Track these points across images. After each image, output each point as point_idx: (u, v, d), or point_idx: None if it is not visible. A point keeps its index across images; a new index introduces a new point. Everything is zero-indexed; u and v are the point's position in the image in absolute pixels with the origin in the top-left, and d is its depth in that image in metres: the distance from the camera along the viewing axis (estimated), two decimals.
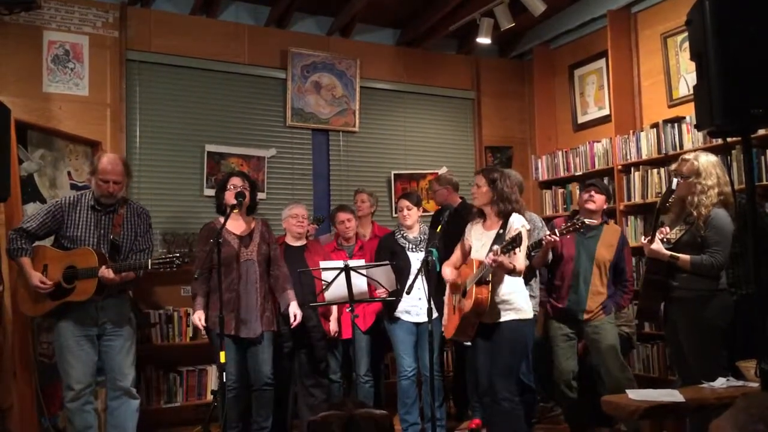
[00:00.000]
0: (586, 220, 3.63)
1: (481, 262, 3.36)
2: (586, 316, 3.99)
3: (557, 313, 4.10)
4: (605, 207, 4.17)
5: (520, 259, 3.33)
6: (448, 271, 3.65)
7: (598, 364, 4.02)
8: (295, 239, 4.44)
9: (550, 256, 4.04)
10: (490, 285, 3.32)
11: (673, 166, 3.66)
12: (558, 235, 3.67)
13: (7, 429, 3.61)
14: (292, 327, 4.02)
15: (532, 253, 3.92)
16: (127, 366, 3.66)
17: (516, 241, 3.15)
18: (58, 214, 3.60)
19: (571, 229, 3.61)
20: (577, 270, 4.02)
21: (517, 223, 3.40)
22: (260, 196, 4.99)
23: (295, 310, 4.00)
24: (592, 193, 4.09)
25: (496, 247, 3.27)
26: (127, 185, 3.81)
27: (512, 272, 3.34)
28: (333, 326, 4.38)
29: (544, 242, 3.79)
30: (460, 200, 4.85)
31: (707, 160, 3.44)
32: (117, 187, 3.64)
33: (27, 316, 3.78)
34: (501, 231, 3.41)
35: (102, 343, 3.64)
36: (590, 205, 4.07)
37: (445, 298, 3.73)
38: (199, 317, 3.83)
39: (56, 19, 4.82)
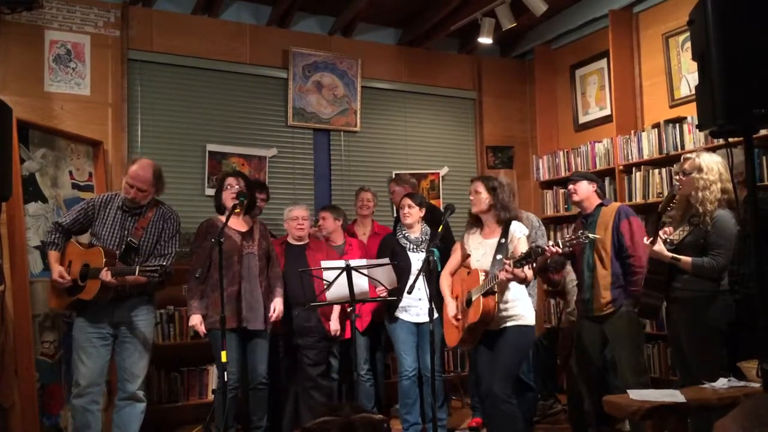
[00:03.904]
0: (591, 235, 3.59)
1: (486, 273, 3.37)
2: (595, 308, 3.84)
3: (579, 305, 4.02)
4: (594, 188, 4.00)
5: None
6: (450, 304, 3.60)
7: (615, 363, 3.96)
8: (296, 239, 4.46)
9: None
10: (496, 295, 3.33)
11: (676, 167, 3.65)
12: (561, 247, 3.66)
13: (8, 428, 3.61)
14: (271, 320, 4.02)
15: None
16: (137, 369, 3.67)
17: (530, 256, 3.17)
18: (90, 211, 3.71)
19: (575, 242, 3.59)
20: (583, 259, 3.96)
21: (519, 232, 3.43)
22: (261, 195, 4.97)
23: (276, 305, 4.02)
24: (569, 186, 4.06)
25: (500, 256, 3.30)
26: (158, 194, 3.78)
27: (523, 281, 3.36)
28: (334, 325, 4.37)
29: (547, 253, 3.77)
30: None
31: (709, 157, 3.44)
32: (140, 195, 3.67)
33: (29, 315, 3.79)
34: (503, 240, 3.42)
35: (117, 343, 3.66)
36: (574, 198, 4.03)
37: (444, 307, 3.72)
38: (199, 321, 3.85)
39: (58, 18, 4.83)
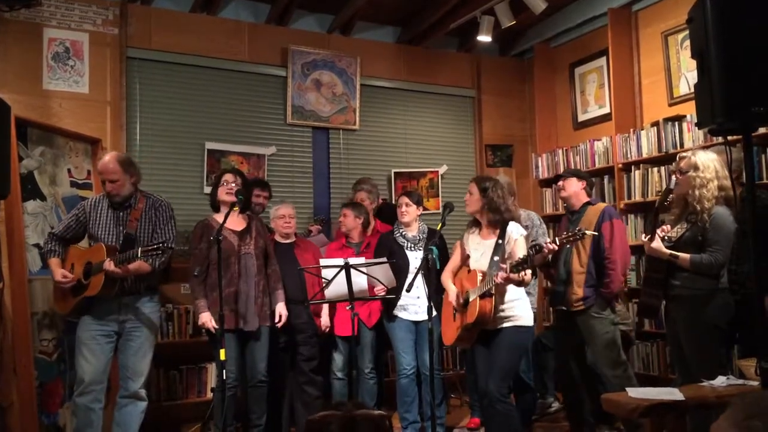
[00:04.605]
0: (587, 231, 3.60)
1: (484, 274, 3.36)
2: (567, 301, 3.93)
3: (551, 296, 4.14)
4: (584, 186, 4.08)
5: (527, 271, 3.33)
6: (452, 292, 3.60)
7: (594, 362, 4.03)
8: (284, 237, 4.47)
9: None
10: (493, 297, 3.33)
11: (673, 165, 3.66)
12: (558, 243, 3.68)
13: (7, 426, 3.61)
14: (278, 326, 4.06)
15: (533, 257, 3.89)
16: (140, 367, 3.67)
17: (526, 262, 3.16)
18: (82, 216, 3.73)
19: (571, 239, 3.60)
20: (561, 253, 3.99)
21: (516, 232, 3.42)
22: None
23: (281, 310, 4.06)
24: (560, 183, 4.15)
25: (497, 258, 3.30)
26: (135, 181, 3.78)
27: (520, 284, 3.34)
28: (325, 321, 4.38)
29: (545, 249, 3.79)
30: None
31: (706, 155, 3.45)
32: (113, 186, 3.68)
33: (28, 313, 3.79)
34: (500, 241, 3.42)
35: (120, 341, 3.66)
36: (562, 193, 4.12)
37: (443, 305, 3.72)
38: (209, 318, 3.83)
39: (56, 16, 4.82)
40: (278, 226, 4.46)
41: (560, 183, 4.17)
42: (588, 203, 4.05)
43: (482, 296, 3.31)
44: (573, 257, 3.95)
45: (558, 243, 3.67)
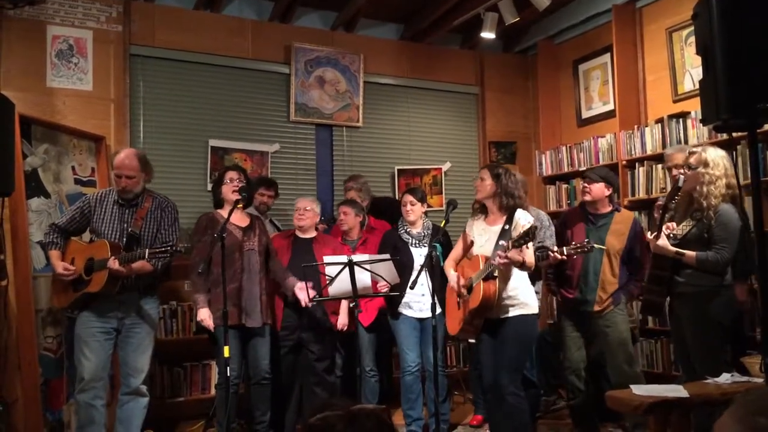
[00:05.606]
0: (596, 246, 3.57)
1: (487, 258, 3.35)
2: (596, 308, 3.89)
3: (568, 304, 4.04)
4: (609, 193, 3.98)
5: (529, 253, 3.32)
6: (453, 277, 3.59)
7: (606, 357, 4.00)
8: (302, 232, 4.44)
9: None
10: (497, 280, 3.31)
11: (679, 160, 3.64)
12: (565, 254, 3.65)
13: (11, 423, 3.62)
14: (304, 306, 4.03)
15: (539, 263, 3.85)
16: (140, 364, 3.68)
17: (528, 235, 3.13)
18: (86, 210, 3.72)
19: (579, 251, 3.58)
20: (587, 260, 3.93)
21: (524, 219, 3.40)
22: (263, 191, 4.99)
23: (301, 286, 4.02)
24: (585, 184, 4.02)
25: (502, 242, 3.27)
26: (147, 179, 3.80)
27: (522, 266, 3.32)
28: (342, 319, 4.31)
29: (551, 258, 3.76)
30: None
31: (715, 152, 3.43)
32: (130, 182, 3.67)
33: (32, 310, 3.80)
34: (506, 227, 3.40)
35: (120, 338, 3.67)
36: (586, 197, 4.00)
37: (447, 294, 3.72)
38: (207, 316, 3.83)
39: (60, 13, 4.82)
40: (294, 219, 4.45)
41: (586, 186, 4.00)
42: (615, 210, 4.01)
43: (485, 279, 3.29)
44: (605, 267, 3.91)
45: (566, 253, 3.64)
